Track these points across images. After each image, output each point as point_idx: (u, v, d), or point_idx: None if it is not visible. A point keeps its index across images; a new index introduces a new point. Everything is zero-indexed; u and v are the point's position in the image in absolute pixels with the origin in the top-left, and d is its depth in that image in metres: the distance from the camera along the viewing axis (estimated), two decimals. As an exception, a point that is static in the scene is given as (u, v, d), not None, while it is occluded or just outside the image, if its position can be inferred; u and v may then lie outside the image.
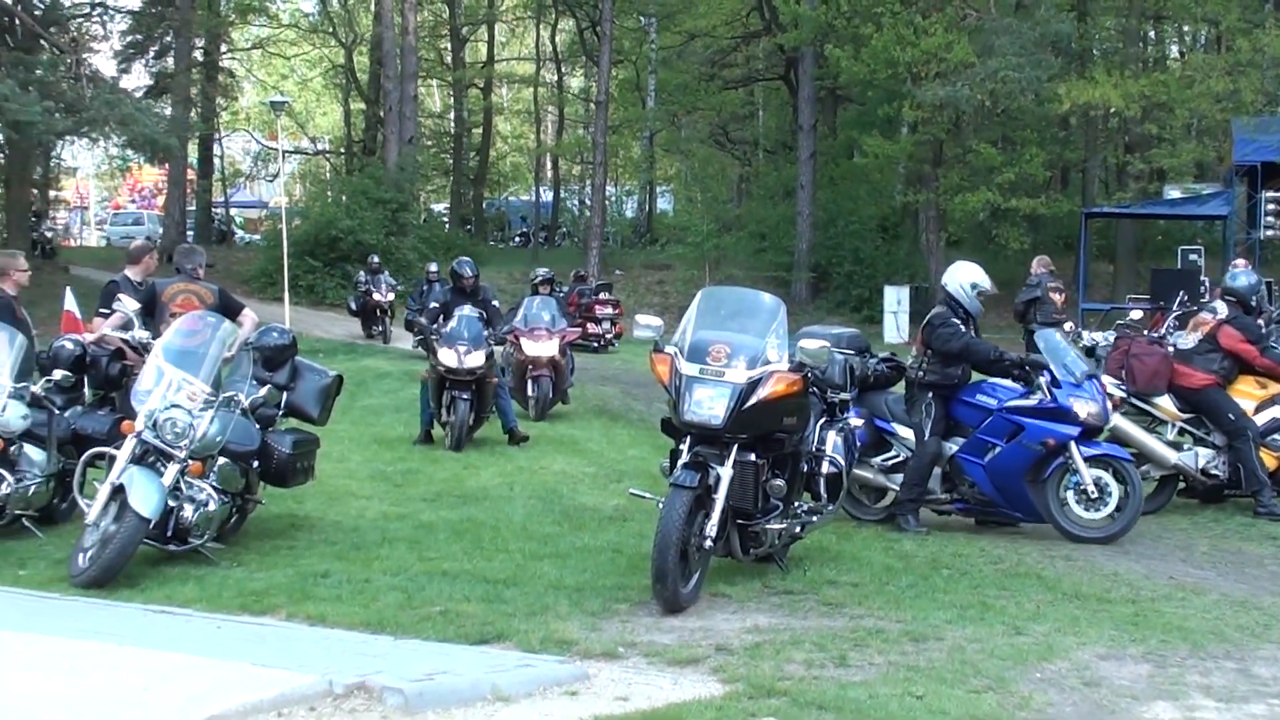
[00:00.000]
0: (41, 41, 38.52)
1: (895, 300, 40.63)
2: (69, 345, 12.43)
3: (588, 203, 60.06)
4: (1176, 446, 13.70)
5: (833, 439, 10.86)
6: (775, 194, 52.16)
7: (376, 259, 35.75)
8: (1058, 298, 21.03)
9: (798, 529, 10.35)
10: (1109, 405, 12.48)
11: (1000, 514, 12.49)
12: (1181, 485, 13.96)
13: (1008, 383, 12.42)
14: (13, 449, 11.15)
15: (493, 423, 17.76)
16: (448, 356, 16.89)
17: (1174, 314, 20.14)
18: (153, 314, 12.11)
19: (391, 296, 34.03)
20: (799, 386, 9.67)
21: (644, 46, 58.18)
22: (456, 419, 16.99)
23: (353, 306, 35.08)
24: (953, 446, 12.46)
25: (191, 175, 56.85)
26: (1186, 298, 21.94)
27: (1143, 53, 47.74)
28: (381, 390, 23.55)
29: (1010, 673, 7.60)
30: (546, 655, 7.74)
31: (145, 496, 9.70)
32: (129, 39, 49.94)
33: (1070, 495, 12.14)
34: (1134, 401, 13.82)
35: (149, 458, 10.09)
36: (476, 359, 16.89)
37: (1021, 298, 21.59)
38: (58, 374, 11.80)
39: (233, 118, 68.20)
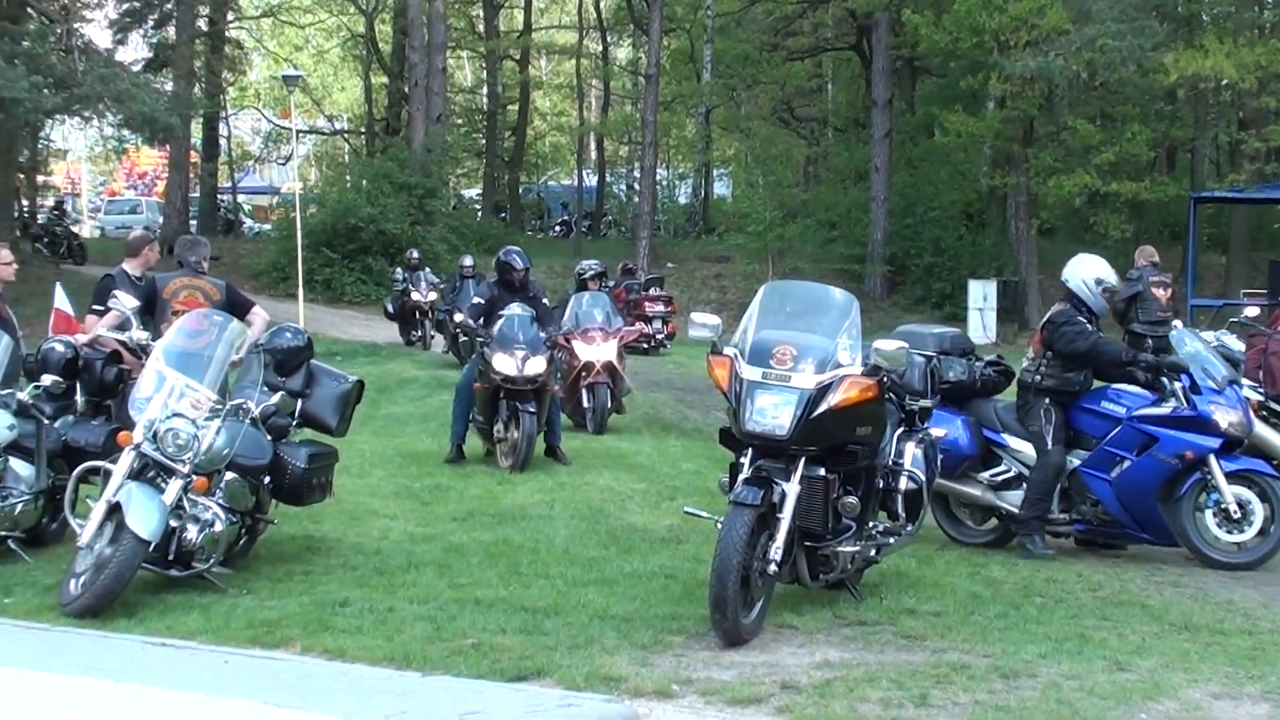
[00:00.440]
0: (29, 9, 38.74)
1: (980, 296, 40.51)
2: (60, 347, 12.44)
3: (636, 188, 60.04)
4: None
5: (911, 451, 10.77)
6: (846, 177, 52.15)
7: (416, 254, 34.81)
8: (1162, 294, 20.83)
9: (872, 552, 10.32)
10: (1251, 414, 12.35)
11: (1125, 536, 12.37)
12: None
13: (1135, 388, 12.31)
14: (-3, 463, 11.20)
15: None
16: (504, 364, 16.20)
17: (1296, 310, 19.98)
18: (152, 312, 12.16)
19: (433, 296, 32.30)
20: (874, 393, 9.62)
21: (699, 13, 57.99)
22: (522, 436, 16.28)
23: (389, 309, 34.11)
24: (1074, 460, 12.36)
25: (195, 158, 57.12)
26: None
27: (1259, 17, 47.19)
28: (407, 397, 23.62)
29: (1112, 713, 7.56)
30: (592, 694, 7.73)
31: (144, 516, 9.70)
32: (125, 7, 49.97)
33: (1208, 516, 11.99)
34: (1273, 405, 13.68)
35: (148, 473, 10.10)
36: (538, 365, 16.29)
37: (1122, 294, 21.41)
38: (47, 379, 11.82)
39: (240, 94, 68.66)
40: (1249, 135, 42.42)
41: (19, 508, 11.25)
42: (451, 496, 14.85)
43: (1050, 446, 12.25)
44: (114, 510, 9.76)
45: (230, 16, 58.59)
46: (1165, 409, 12.01)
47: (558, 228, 68.37)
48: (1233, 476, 11.90)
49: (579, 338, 19.90)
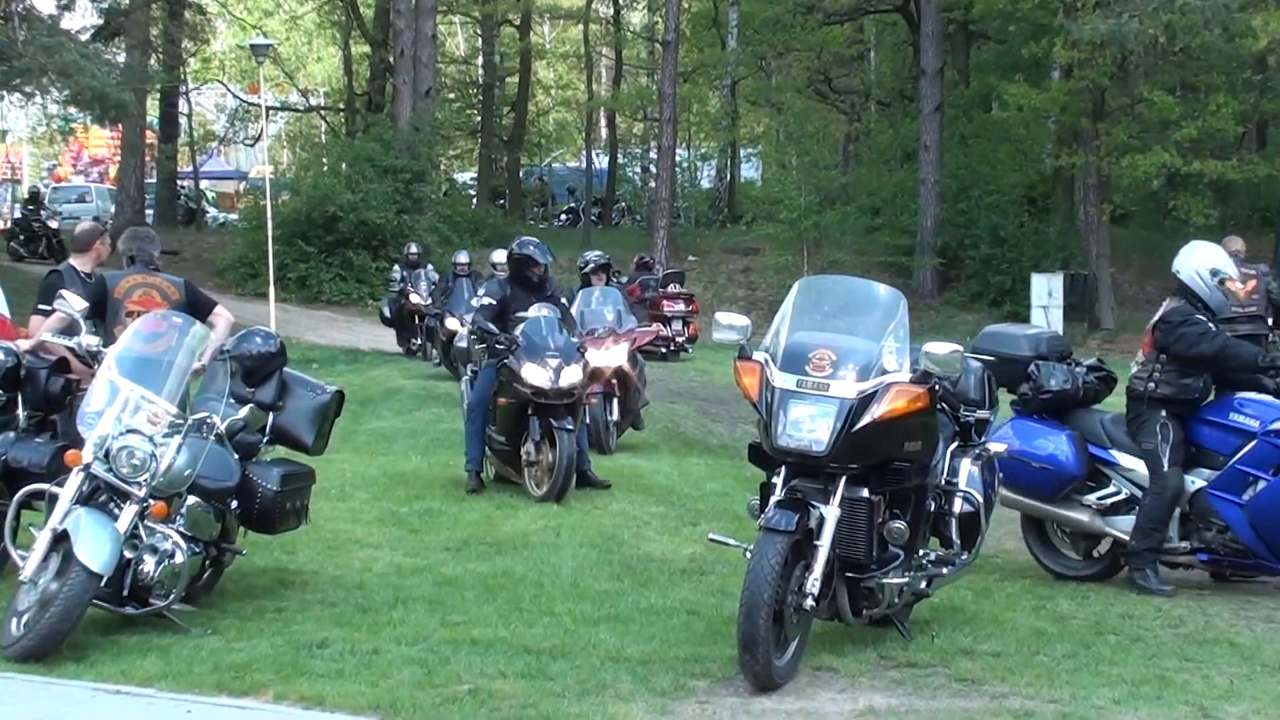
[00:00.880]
0: (-39, -29, 38.87)
1: (1045, 291, 40.39)
2: (-1, 355, 12.48)
3: (652, 170, 60.12)
4: None
5: (967, 469, 10.77)
6: (891, 158, 52.31)
7: (415, 249, 34.34)
8: (1238, 288, 20.79)
9: (923, 584, 10.31)
10: None
11: (1258, 568, 12.13)
12: None
13: (1266, 397, 12.10)
14: (-73, 487, 11.21)
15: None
16: (535, 374, 15.87)
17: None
18: (103, 315, 12.13)
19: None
20: (924, 403, 9.60)
21: (723, -30, 58.30)
22: (560, 457, 15.83)
23: (386, 314, 33.77)
24: (1197, 480, 12.21)
25: (151, 139, 57.29)
26: None
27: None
28: (392, 410, 23.67)
29: (1197, 767, 7.56)
30: (604, 746, 7.75)
31: (95, 546, 9.68)
32: (72, -34, 50.22)
33: None
34: None
35: (100, 497, 10.09)
36: (574, 375, 16.04)
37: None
38: (-17, 391, 11.86)
39: (203, 66, 68.91)
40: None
41: (-47, 538, 11.27)
42: (444, 523, 14.86)
43: (1166, 468, 12.05)
44: (60, 539, 9.73)
45: (191, -23, 58.75)
46: None
47: (563, 216, 68.61)
48: None
49: (586, 339, 19.33)
